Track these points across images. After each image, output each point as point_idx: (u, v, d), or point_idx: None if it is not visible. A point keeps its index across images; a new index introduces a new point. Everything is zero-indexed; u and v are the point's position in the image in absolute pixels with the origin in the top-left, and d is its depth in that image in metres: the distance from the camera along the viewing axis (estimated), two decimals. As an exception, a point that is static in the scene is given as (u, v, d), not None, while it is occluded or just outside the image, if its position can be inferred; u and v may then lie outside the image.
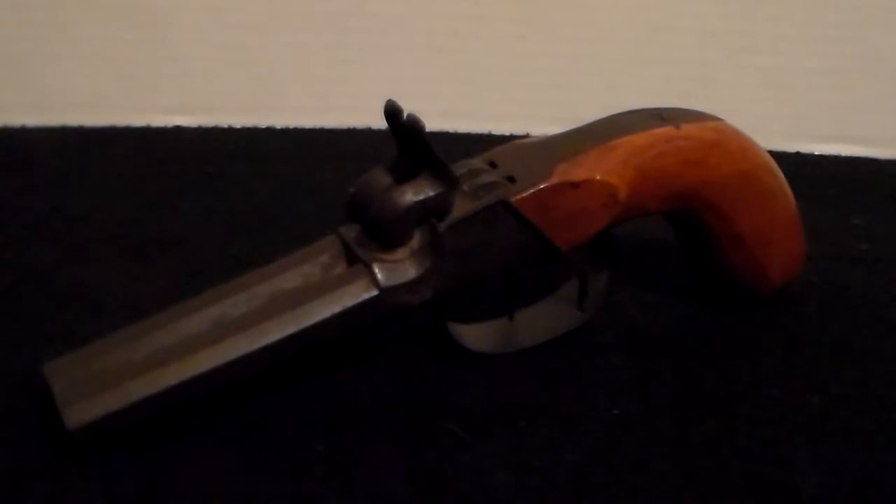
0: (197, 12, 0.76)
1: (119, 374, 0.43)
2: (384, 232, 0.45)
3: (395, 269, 0.45)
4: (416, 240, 0.45)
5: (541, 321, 0.51)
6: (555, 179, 0.46)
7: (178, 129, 0.78)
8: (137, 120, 0.78)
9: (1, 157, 0.72)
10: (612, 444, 0.45)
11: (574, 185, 0.46)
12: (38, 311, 0.53)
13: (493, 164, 0.48)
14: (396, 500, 0.41)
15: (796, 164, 0.71)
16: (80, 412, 0.42)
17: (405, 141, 0.45)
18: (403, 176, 0.45)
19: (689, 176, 0.49)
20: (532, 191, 0.46)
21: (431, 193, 0.44)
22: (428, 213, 0.45)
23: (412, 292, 0.45)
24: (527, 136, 0.52)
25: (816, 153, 0.76)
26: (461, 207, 0.45)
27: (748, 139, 0.51)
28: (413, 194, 0.44)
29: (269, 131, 0.78)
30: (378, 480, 0.42)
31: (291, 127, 0.78)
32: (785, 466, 0.43)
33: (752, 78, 0.76)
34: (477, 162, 0.48)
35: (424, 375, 0.49)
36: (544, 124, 0.57)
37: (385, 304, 0.45)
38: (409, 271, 0.45)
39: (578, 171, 0.47)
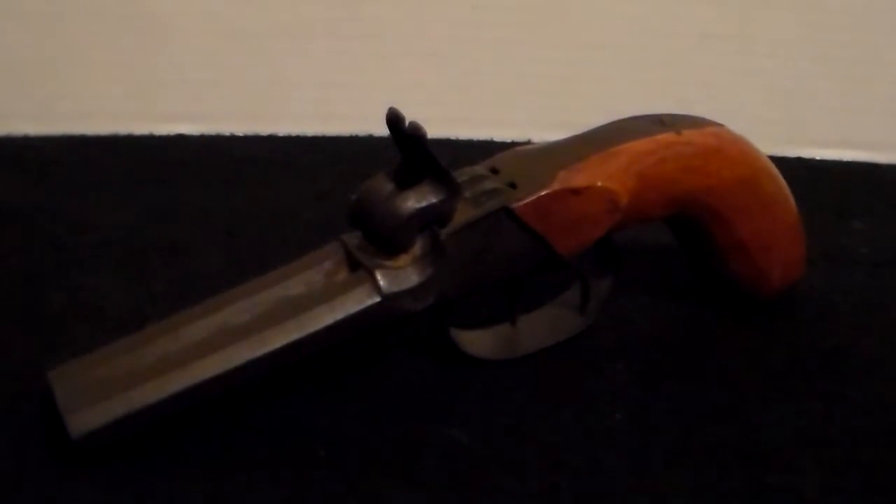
0: (199, 20, 0.77)
1: (123, 382, 0.43)
2: (386, 239, 0.45)
3: (397, 276, 0.45)
4: (418, 246, 0.45)
5: (543, 327, 0.51)
6: (556, 186, 0.46)
7: (180, 137, 0.78)
8: (139, 128, 0.78)
9: (4, 167, 0.73)
10: (614, 448, 0.45)
11: (575, 192, 0.46)
12: (41, 317, 0.53)
13: (494, 171, 0.48)
14: (399, 505, 0.42)
15: (797, 169, 0.70)
16: (84, 419, 0.42)
17: (407, 148, 0.45)
18: (405, 183, 0.45)
19: (690, 182, 0.49)
20: (533, 197, 0.46)
21: (433, 200, 0.45)
22: (430, 219, 0.45)
23: (415, 299, 0.45)
24: (528, 142, 0.52)
25: (817, 158, 0.76)
26: (463, 214, 0.45)
27: (749, 144, 0.51)
28: (415, 201, 0.45)
29: (272, 139, 0.78)
30: (379, 485, 0.42)
31: (293, 134, 0.78)
32: (786, 470, 0.43)
33: (752, 83, 0.76)
34: (479, 169, 0.48)
35: (426, 381, 0.49)
36: (546, 131, 0.57)
37: (388, 311, 0.45)
38: (412, 278, 0.45)
39: (580, 177, 0.47)
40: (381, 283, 0.45)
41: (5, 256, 0.60)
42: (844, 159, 0.76)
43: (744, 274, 0.52)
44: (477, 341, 0.50)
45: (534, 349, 0.51)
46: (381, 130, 0.45)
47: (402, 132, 0.44)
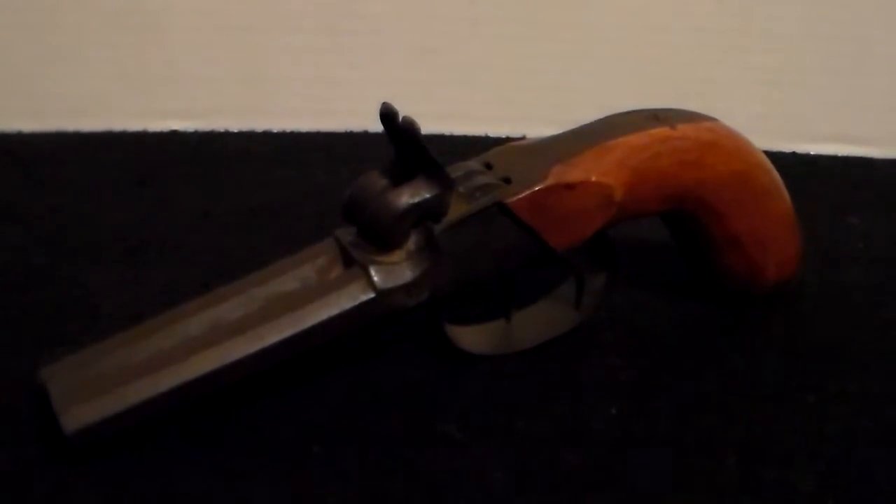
0: (192, 16, 0.76)
1: (117, 378, 0.43)
2: (380, 234, 0.45)
3: (391, 272, 0.45)
4: (412, 242, 0.45)
5: (538, 322, 0.51)
6: (550, 181, 0.46)
7: (174, 134, 0.78)
8: (134, 124, 0.78)
9: (-2, 163, 0.73)
10: (609, 443, 0.45)
11: (570, 187, 0.46)
12: (35, 314, 0.53)
13: (488, 166, 0.48)
14: (394, 501, 0.41)
15: (792, 164, 0.71)
16: (78, 416, 0.41)
17: (401, 143, 0.45)
18: (399, 178, 0.45)
19: (684, 176, 0.49)
20: (528, 192, 0.46)
21: (427, 196, 0.45)
22: (424, 215, 0.45)
23: (409, 294, 0.45)
24: (523, 137, 0.52)
25: (812, 153, 0.76)
26: (457, 209, 0.45)
27: (744, 139, 0.51)
28: (409, 197, 0.44)
29: (266, 135, 0.78)
30: (375, 482, 0.42)
31: (288, 130, 0.78)
32: (782, 465, 0.43)
33: (747, 78, 0.76)
34: (473, 164, 0.48)
35: (421, 377, 0.49)
36: (540, 126, 0.57)
37: (382, 307, 0.45)
38: (406, 273, 0.45)
39: (574, 172, 0.47)
40: (375, 278, 0.45)
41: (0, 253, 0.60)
42: (840, 154, 0.76)
43: (739, 269, 0.52)
44: (471, 337, 0.50)
45: (529, 345, 0.51)
46: (376, 126, 0.45)
47: (395, 127, 0.44)
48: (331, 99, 0.78)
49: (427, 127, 0.44)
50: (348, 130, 0.78)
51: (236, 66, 0.78)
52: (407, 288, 0.45)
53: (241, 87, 0.78)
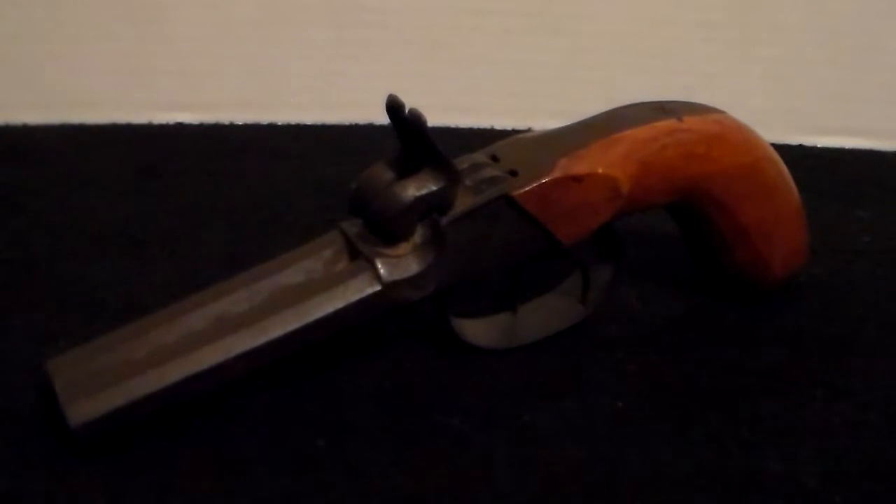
0: (197, 8, 0.76)
1: (121, 371, 0.42)
2: (386, 227, 0.45)
3: (397, 265, 0.45)
4: (418, 235, 0.45)
5: (543, 315, 0.51)
6: (557, 173, 0.46)
7: (179, 126, 0.78)
8: (138, 117, 0.78)
9: (2, 155, 0.72)
10: (615, 437, 0.45)
11: (576, 179, 0.46)
12: (39, 307, 0.53)
13: (495, 159, 0.48)
14: (398, 495, 0.41)
15: (799, 157, 0.71)
16: (83, 409, 0.41)
17: (407, 136, 0.44)
18: (405, 171, 0.45)
19: (691, 169, 0.49)
20: (534, 185, 0.46)
21: (433, 188, 0.44)
22: (430, 207, 0.45)
23: (415, 287, 0.45)
24: (529, 130, 0.52)
25: (820, 146, 0.76)
26: (463, 202, 0.45)
27: (751, 132, 0.51)
28: (415, 189, 0.44)
29: (271, 127, 0.78)
30: (380, 475, 0.42)
31: (293, 123, 0.78)
32: (788, 459, 0.43)
33: (754, 70, 0.76)
34: (479, 156, 0.48)
35: (427, 370, 0.49)
36: (546, 118, 0.57)
37: (388, 299, 0.45)
38: (412, 266, 0.45)
39: (581, 164, 0.46)
40: (382, 271, 0.44)
41: (4, 246, 0.60)
42: (847, 147, 0.76)
43: (746, 262, 0.52)
44: (477, 330, 0.50)
45: (534, 338, 0.51)
46: (382, 119, 0.45)
47: (402, 119, 0.44)
48: (336, 91, 0.78)
49: (433, 119, 0.44)
50: (354, 123, 0.78)
51: (241, 58, 0.78)
52: (413, 281, 0.45)
53: (246, 79, 0.78)
